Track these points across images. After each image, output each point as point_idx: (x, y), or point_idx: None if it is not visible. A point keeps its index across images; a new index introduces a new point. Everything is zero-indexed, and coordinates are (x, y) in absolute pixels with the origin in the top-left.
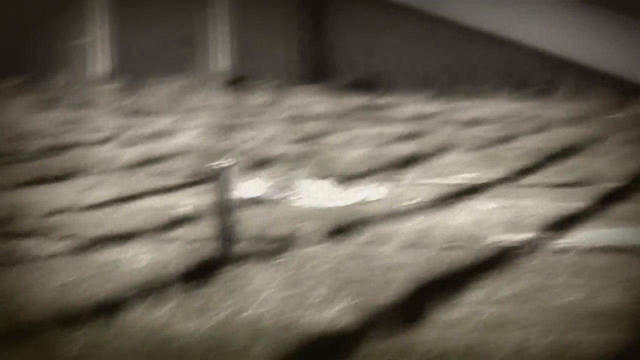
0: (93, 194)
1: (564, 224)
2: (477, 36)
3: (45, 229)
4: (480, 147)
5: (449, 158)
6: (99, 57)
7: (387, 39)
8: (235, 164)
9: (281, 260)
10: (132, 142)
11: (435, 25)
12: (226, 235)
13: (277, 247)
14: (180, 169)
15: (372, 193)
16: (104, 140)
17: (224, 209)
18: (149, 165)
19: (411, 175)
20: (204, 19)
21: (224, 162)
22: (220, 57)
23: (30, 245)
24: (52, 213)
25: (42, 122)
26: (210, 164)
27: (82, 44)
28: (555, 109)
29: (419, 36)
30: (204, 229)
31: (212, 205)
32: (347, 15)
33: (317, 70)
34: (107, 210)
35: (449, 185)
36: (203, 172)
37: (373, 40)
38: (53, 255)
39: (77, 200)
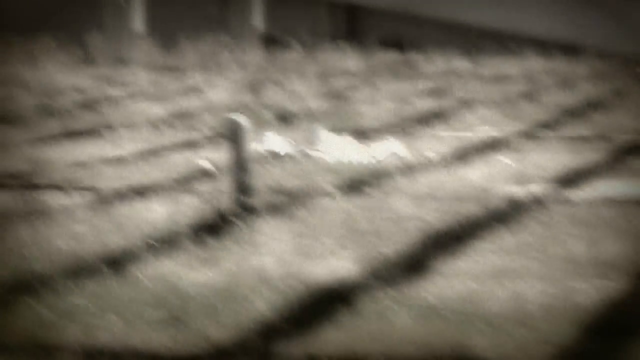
0: (118, 149)
1: (575, 176)
2: None
3: (65, 182)
4: (502, 102)
5: (471, 113)
6: (135, 14)
7: None
8: (252, 119)
9: (293, 212)
10: (162, 98)
11: None
12: (241, 188)
13: (291, 199)
14: (206, 124)
15: (391, 147)
16: (135, 96)
17: (240, 163)
18: (176, 120)
19: (431, 130)
20: None
21: (242, 117)
22: (253, 15)
23: (49, 197)
24: (74, 166)
25: (75, 78)
26: (230, 119)
27: (117, 1)
28: (580, 65)
29: None
30: (222, 183)
31: (230, 159)
32: None
33: (348, 28)
34: (130, 164)
35: (467, 139)
36: (226, 127)
37: None
38: (70, 208)
39: (101, 154)
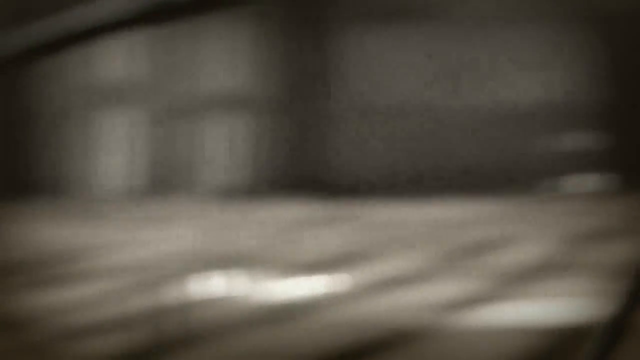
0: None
1: (470, 305)
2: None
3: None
4: (429, 243)
5: (401, 253)
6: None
7: (374, 145)
8: (196, 266)
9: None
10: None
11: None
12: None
13: (201, 334)
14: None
15: (312, 284)
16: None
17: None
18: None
19: (356, 270)
20: None
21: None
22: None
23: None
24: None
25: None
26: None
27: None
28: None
29: (408, 140)
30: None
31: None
32: (336, 129)
33: (304, 180)
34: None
35: (377, 275)
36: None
37: (359, 147)
38: None
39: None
